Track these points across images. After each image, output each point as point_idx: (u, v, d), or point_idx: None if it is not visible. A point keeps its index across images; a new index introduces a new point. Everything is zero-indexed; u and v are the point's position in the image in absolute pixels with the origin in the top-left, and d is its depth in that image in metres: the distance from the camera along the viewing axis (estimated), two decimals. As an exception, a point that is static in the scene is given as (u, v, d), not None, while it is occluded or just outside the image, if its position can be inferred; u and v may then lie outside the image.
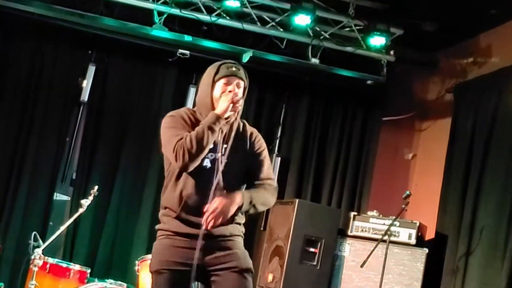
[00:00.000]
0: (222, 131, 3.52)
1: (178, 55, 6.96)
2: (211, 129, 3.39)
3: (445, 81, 7.66)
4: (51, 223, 6.93)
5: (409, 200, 6.07)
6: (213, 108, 3.50)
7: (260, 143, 3.69)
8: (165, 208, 3.55)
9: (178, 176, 3.48)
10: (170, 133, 3.46)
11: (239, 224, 3.59)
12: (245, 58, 6.77)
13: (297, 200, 6.71)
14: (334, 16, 6.97)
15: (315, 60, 7.05)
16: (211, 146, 3.43)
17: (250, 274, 3.52)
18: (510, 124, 6.30)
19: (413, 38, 7.23)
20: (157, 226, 3.61)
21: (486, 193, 6.41)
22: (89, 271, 5.75)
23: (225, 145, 3.52)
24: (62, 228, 5.82)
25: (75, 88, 7.08)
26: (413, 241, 6.63)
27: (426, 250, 6.57)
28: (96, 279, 5.71)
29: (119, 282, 5.66)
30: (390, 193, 7.55)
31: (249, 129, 3.68)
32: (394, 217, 6.34)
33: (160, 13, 6.62)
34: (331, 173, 7.71)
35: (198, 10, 6.67)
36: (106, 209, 7.09)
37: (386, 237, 6.15)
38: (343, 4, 6.95)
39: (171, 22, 6.77)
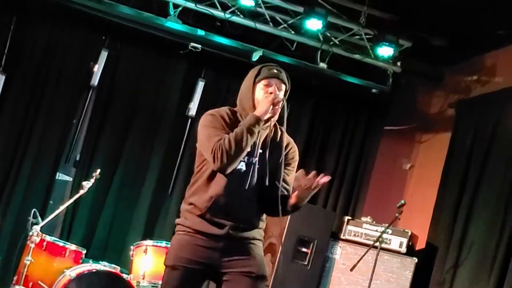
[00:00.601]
0: (260, 135, 3.45)
1: (190, 48, 6.98)
2: (250, 131, 3.34)
3: (449, 96, 7.71)
4: (51, 201, 6.97)
5: (403, 209, 6.15)
6: (255, 110, 3.45)
7: (294, 155, 3.65)
8: (190, 204, 3.48)
9: (211, 176, 3.42)
10: (209, 133, 3.39)
11: (261, 228, 3.58)
12: (255, 57, 6.81)
13: (293, 200, 6.77)
14: (345, 23, 7.04)
15: (323, 65, 7.13)
16: (249, 149, 3.39)
17: (264, 282, 3.49)
18: (508, 143, 6.36)
19: (421, 52, 7.28)
20: (177, 220, 3.55)
21: (478, 209, 6.47)
22: (84, 251, 5.85)
23: (260, 150, 3.47)
24: (62, 207, 5.89)
25: (86, 72, 7.12)
26: (403, 249, 6.72)
27: (416, 260, 6.65)
28: (90, 260, 5.81)
29: (113, 265, 5.76)
30: (385, 200, 7.60)
31: (287, 139, 3.60)
32: (387, 224, 6.41)
33: (176, 6, 6.73)
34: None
35: (213, 6, 6.75)
36: (106, 192, 7.15)
37: (377, 244, 6.22)
38: (355, 12, 7.01)
39: (185, 15, 6.85)
